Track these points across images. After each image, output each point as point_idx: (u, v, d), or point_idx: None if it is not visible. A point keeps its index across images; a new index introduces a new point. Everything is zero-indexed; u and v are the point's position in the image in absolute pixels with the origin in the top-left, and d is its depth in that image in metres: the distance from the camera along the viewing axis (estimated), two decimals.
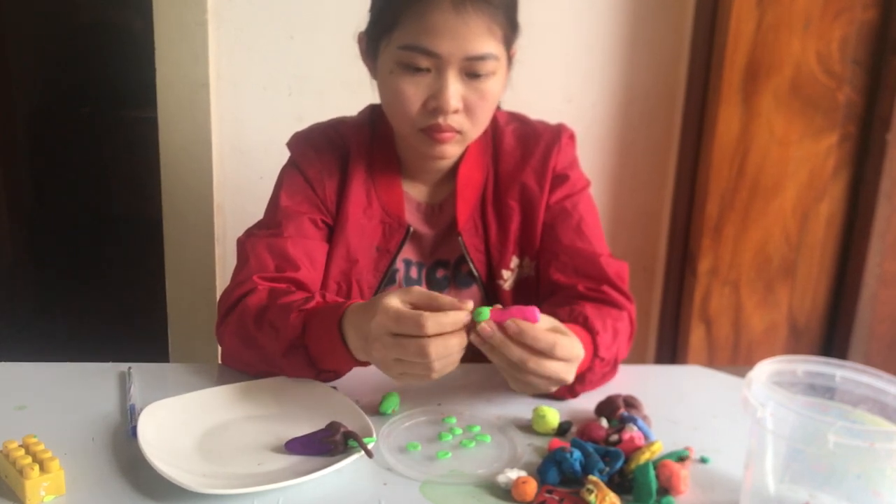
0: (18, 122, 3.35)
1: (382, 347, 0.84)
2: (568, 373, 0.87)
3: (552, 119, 1.19)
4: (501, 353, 0.84)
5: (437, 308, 0.84)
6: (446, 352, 0.82)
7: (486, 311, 0.84)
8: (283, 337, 0.94)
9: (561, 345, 0.85)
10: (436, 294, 0.85)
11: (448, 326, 0.82)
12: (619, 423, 0.89)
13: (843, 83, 1.58)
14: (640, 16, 1.69)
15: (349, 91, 1.64)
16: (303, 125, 1.18)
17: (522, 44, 1.07)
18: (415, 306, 0.85)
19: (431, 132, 1.01)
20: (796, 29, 1.54)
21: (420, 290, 0.86)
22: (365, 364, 0.93)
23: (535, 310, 0.84)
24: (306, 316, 0.95)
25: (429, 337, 0.81)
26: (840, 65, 1.57)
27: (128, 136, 4.04)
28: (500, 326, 0.84)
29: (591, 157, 1.74)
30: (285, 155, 1.16)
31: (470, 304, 0.84)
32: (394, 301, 0.84)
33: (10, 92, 3.00)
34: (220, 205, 1.72)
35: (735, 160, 1.62)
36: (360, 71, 1.10)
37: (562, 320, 0.96)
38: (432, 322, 0.81)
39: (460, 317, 0.82)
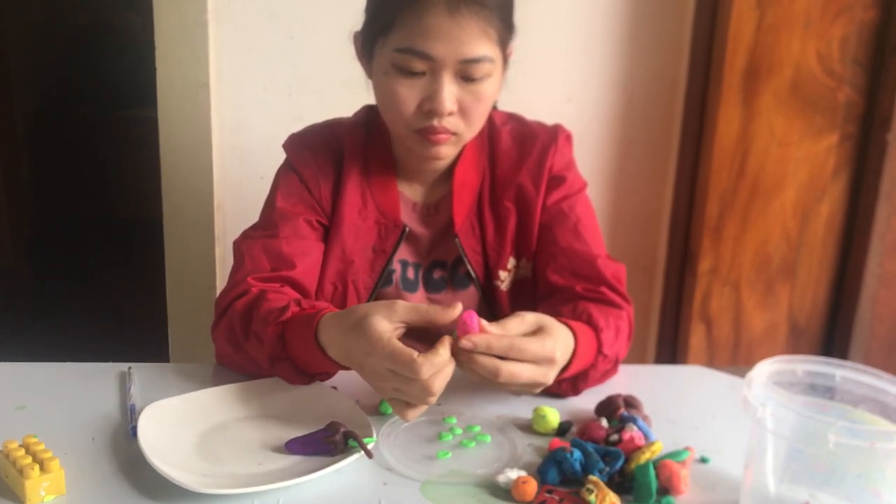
0: (18, 122, 3.34)
1: (382, 380, 0.83)
2: (545, 375, 0.87)
3: (552, 119, 1.19)
4: (469, 368, 0.84)
5: (426, 321, 0.83)
6: (444, 381, 0.81)
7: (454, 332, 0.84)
8: (267, 350, 0.94)
9: (519, 346, 0.83)
10: (421, 306, 0.84)
11: (442, 364, 0.80)
12: (620, 423, 0.89)
13: (844, 83, 1.58)
14: (641, 16, 1.69)
15: (349, 91, 1.62)
16: (303, 125, 1.18)
17: (522, 44, 1.07)
18: (404, 323, 0.84)
19: (426, 133, 1.01)
20: (796, 29, 1.54)
21: (404, 305, 0.84)
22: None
23: (472, 315, 0.83)
24: (283, 328, 0.94)
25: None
26: (840, 65, 1.57)
27: (128, 136, 4.04)
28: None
29: (590, 156, 1.74)
30: (285, 155, 1.16)
31: (459, 307, 0.83)
32: (382, 329, 0.82)
33: (10, 92, 2.99)
34: (221, 204, 1.72)
35: (735, 160, 1.62)
36: (360, 71, 1.10)
37: (565, 318, 0.96)
38: (427, 366, 0.79)
39: (446, 350, 0.81)
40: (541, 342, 0.86)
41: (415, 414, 0.84)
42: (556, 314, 0.96)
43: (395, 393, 0.83)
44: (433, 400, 0.82)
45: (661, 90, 1.75)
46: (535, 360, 0.85)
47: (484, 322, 0.84)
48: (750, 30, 1.54)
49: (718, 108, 1.59)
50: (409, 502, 0.78)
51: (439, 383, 0.81)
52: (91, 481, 0.79)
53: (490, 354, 0.83)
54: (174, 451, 0.83)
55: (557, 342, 0.88)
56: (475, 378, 0.85)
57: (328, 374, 0.97)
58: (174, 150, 1.67)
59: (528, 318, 0.88)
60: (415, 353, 0.80)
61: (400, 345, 0.81)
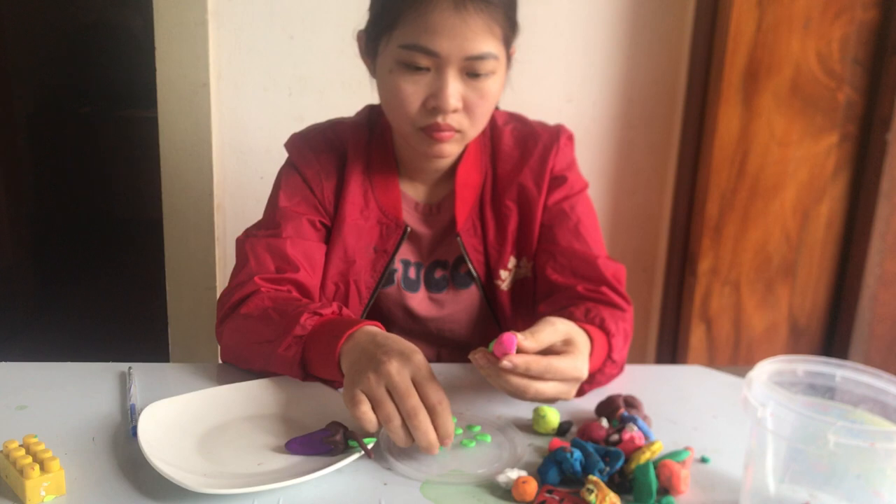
0: (18, 123, 3.35)
1: (379, 390, 0.82)
2: (568, 392, 0.88)
3: (552, 119, 1.19)
4: (499, 383, 0.85)
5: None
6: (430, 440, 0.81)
7: (491, 345, 0.85)
8: (289, 333, 0.94)
9: (555, 368, 0.85)
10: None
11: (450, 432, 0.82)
12: (620, 423, 0.89)
13: (844, 83, 1.58)
14: (641, 16, 1.69)
15: (349, 91, 1.64)
16: (303, 125, 1.18)
17: (523, 43, 1.07)
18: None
19: (431, 131, 1.01)
20: (796, 29, 1.55)
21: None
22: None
23: (512, 338, 0.83)
24: (319, 321, 0.95)
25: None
26: (840, 65, 1.57)
27: (128, 135, 4.05)
28: (497, 360, 0.83)
29: (591, 156, 1.74)
30: (285, 155, 1.16)
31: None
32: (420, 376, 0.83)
33: (10, 92, 3.00)
34: (221, 204, 1.72)
35: (735, 160, 1.62)
36: (360, 71, 1.10)
37: (577, 320, 0.96)
38: (448, 418, 0.81)
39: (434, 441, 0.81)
40: (572, 362, 0.86)
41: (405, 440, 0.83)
42: (569, 316, 0.97)
43: (385, 408, 0.82)
44: (407, 443, 0.82)
45: (661, 90, 1.75)
46: (564, 379, 0.86)
47: (520, 336, 0.84)
48: (750, 30, 1.55)
49: (718, 108, 1.59)
50: (409, 502, 0.78)
51: (431, 437, 0.81)
52: (91, 481, 0.79)
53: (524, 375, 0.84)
54: (174, 450, 0.83)
55: (586, 359, 0.89)
56: (498, 388, 0.86)
57: (323, 383, 0.97)
58: (174, 150, 1.67)
59: (560, 328, 0.88)
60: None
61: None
